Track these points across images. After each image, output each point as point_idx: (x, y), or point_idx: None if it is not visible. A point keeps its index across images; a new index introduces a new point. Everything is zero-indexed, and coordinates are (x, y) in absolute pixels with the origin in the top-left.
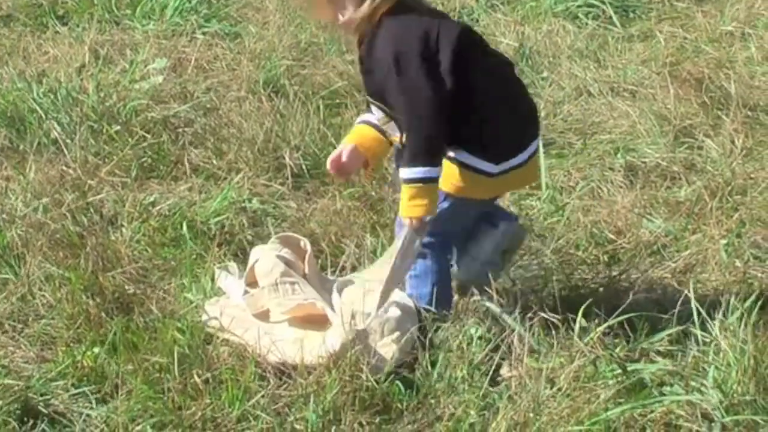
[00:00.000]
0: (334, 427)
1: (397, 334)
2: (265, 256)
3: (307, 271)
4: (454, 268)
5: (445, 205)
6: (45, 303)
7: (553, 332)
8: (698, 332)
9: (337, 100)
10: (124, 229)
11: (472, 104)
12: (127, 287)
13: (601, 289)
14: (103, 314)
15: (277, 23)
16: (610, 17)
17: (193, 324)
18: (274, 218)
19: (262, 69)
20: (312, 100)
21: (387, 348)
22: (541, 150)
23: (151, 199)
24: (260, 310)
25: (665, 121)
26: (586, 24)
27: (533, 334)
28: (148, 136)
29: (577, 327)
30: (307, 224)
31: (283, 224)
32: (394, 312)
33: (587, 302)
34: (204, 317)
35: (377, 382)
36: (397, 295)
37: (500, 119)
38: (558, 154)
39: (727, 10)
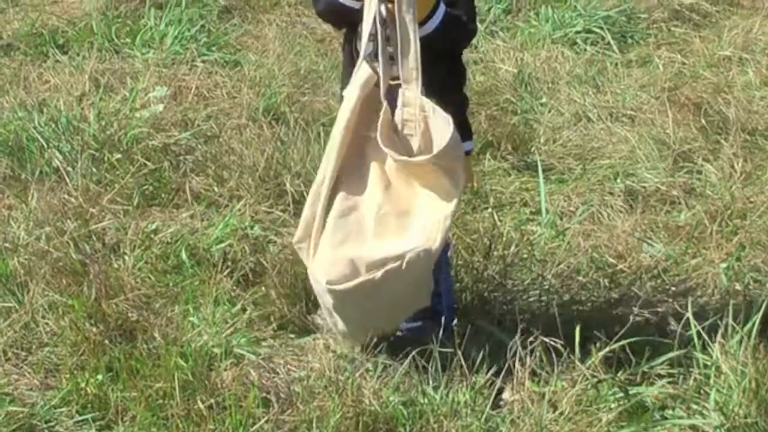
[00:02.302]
0: None
1: None
2: None
3: None
4: None
5: None
6: (48, 330)
7: (555, 356)
8: (699, 355)
9: None
10: (126, 257)
11: None
12: (129, 314)
13: (602, 313)
14: (106, 341)
15: (276, 51)
16: (609, 43)
17: (196, 350)
18: (275, 244)
19: (262, 96)
20: (312, 127)
21: None
22: (541, 175)
23: (153, 226)
24: None
25: (664, 146)
26: (585, 50)
27: (535, 358)
28: (149, 163)
29: (578, 351)
30: None
31: (285, 250)
32: None
33: (588, 326)
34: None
35: (381, 407)
36: None
37: None
38: (558, 180)
39: (725, 36)
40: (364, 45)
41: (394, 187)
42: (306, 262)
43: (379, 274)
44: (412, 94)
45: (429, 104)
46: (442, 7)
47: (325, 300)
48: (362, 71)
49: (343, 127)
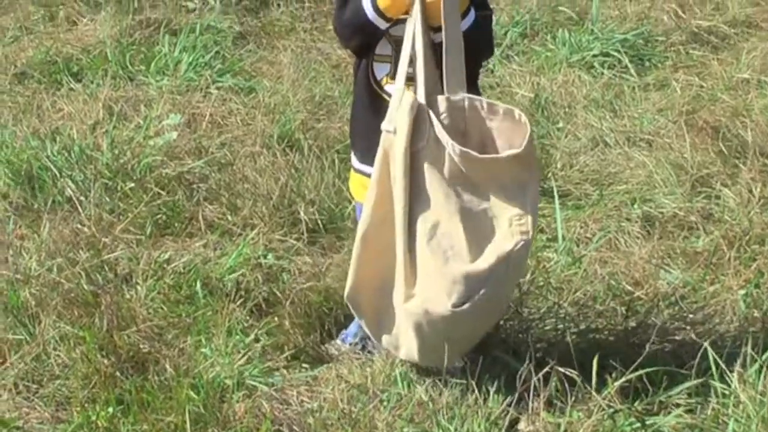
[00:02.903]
0: None
1: None
2: None
3: None
4: None
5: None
6: (60, 363)
7: (571, 386)
8: (717, 384)
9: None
10: (138, 287)
11: None
12: (141, 346)
13: (618, 341)
14: (117, 373)
15: (291, 77)
16: (626, 66)
17: (208, 381)
18: (289, 273)
19: (277, 123)
20: (327, 154)
21: None
22: (557, 201)
23: (166, 256)
24: None
25: (682, 171)
26: (602, 74)
27: (550, 387)
28: (163, 192)
29: (594, 380)
30: (323, 279)
31: (299, 279)
32: None
33: (605, 355)
34: None
35: None
36: None
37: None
38: (575, 206)
39: (743, 58)
40: (402, 70)
41: (462, 192)
42: (360, 313)
43: (491, 281)
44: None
45: (481, 101)
46: (472, 12)
47: (435, 328)
48: (406, 98)
49: (403, 165)
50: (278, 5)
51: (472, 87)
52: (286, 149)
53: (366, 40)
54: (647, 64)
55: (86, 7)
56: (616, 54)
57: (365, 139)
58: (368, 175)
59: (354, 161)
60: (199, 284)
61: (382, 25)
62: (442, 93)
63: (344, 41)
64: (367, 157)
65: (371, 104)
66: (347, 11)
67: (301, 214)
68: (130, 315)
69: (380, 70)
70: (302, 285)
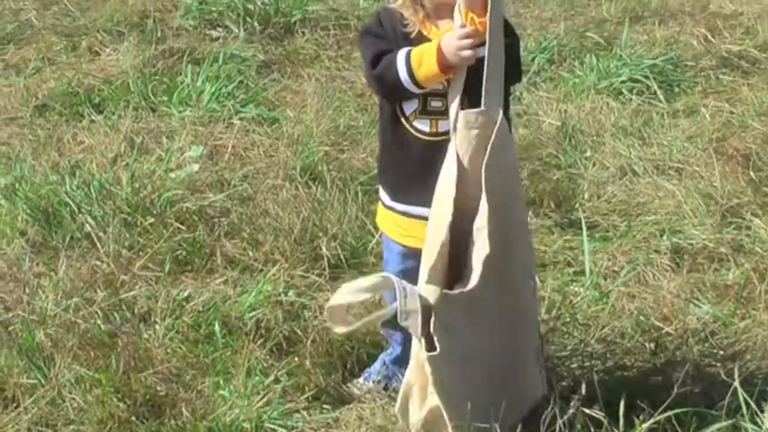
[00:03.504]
0: None
1: None
2: None
3: None
4: None
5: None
6: (75, 407)
7: (596, 427)
8: (749, 425)
9: (376, 186)
10: (156, 326)
11: None
12: (158, 388)
13: (647, 379)
14: (133, 418)
15: (315, 107)
16: (655, 92)
17: (225, 425)
18: (310, 311)
19: (300, 155)
20: (350, 186)
21: None
22: (585, 234)
23: (185, 294)
24: None
25: (711, 201)
26: (630, 100)
27: (575, 428)
28: (183, 227)
29: (621, 421)
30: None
31: (320, 317)
32: None
33: (633, 394)
34: None
35: None
36: None
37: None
38: (602, 237)
39: None
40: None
41: None
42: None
43: None
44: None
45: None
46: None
47: None
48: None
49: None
50: (303, 33)
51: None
52: (309, 182)
53: (397, 97)
54: (676, 89)
55: (109, 37)
56: (644, 80)
57: (393, 174)
58: (400, 213)
59: (384, 197)
60: (218, 324)
61: (416, 90)
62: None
63: (373, 90)
64: (398, 194)
65: (398, 139)
66: (380, 66)
67: (323, 249)
68: (147, 356)
69: (409, 106)
70: (323, 322)
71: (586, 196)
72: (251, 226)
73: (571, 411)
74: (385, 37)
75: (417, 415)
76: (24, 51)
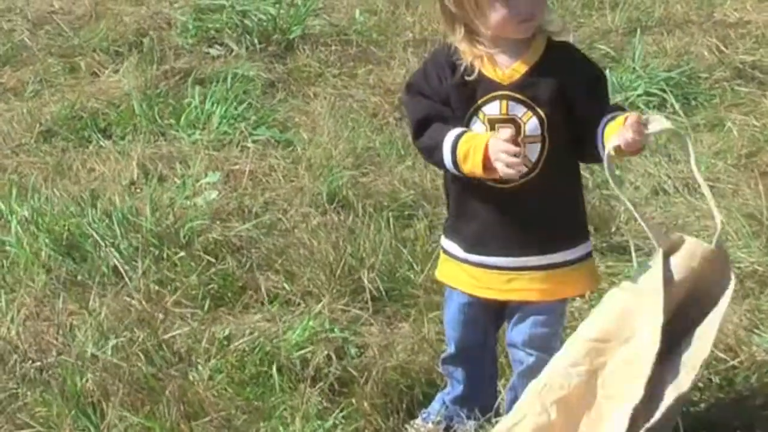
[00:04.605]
0: None
1: None
2: None
3: None
4: None
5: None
6: None
7: None
8: None
9: (406, 212)
10: (199, 367)
11: None
12: None
13: (714, 416)
14: None
15: (329, 128)
16: (672, 105)
17: None
18: (357, 347)
19: (324, 180)
20: (381, 213)
21: None
22: (635, 257)
23: (226, 332)
24: None
25: (755, 221)
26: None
27: None
28: (214, 260)
29: None
30: (394, 353)
31: (368, 353)
32: None
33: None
34: None
35: None
36: None
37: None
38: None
39: None
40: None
41: None
42: None
43: None
44: None
45: None
46: None
47: None
48: None
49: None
50: (303, 50)
51: None
52: (338, 209)
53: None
54: (693, 102)
55: (107, 57)
56: (660, 93)
57: (466, 226)
58: (474, 264)
59: (455, 250)
60: (274, 367)
61: (457, 173)
62: None
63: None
64: (476, 247)
65: (471, 190)
66: (425, 139)
67: (365, 281)
68: (196, 399)
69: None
70: (377, 361)
71: (623, 218)
72: (282, 257)
73: None
74: (431, 96)
75: None
76: (20, 73)
